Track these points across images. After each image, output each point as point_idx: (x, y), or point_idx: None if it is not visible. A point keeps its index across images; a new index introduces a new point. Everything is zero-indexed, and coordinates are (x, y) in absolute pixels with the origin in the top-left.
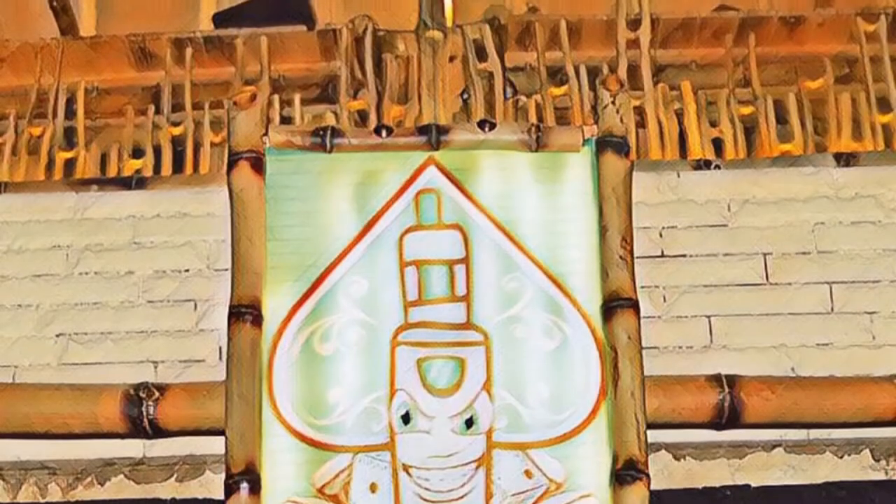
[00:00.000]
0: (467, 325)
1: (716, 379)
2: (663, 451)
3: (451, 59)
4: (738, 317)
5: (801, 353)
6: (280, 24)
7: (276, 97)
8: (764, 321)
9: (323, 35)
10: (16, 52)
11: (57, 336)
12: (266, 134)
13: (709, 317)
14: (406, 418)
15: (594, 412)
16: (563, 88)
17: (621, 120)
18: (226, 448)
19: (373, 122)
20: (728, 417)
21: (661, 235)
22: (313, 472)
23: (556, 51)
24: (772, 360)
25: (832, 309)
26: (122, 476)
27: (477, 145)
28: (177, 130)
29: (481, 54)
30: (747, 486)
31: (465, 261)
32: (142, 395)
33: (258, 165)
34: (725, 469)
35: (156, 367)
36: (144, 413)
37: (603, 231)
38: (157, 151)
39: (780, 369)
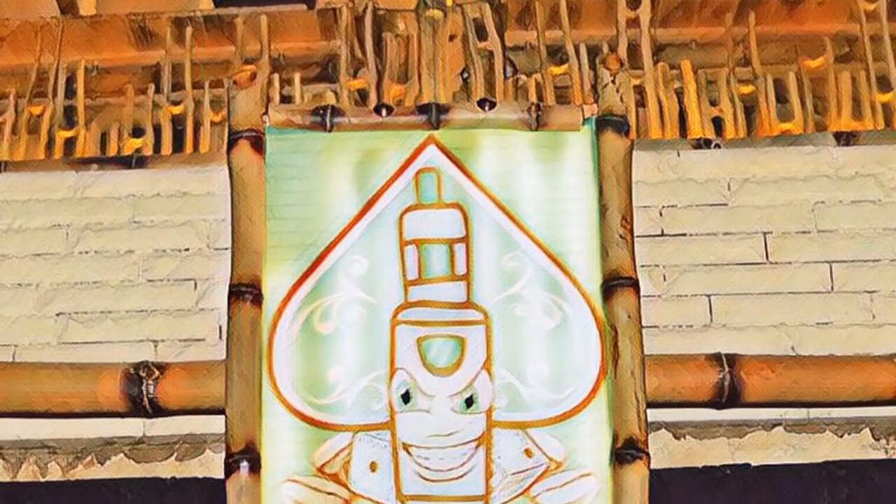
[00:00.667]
0: (467, 303)
1: (716, 358)
2: (663, 430)
3: (452, 38)
4: (738, 296)
5: (801, 332)
6: (280, 3)
7: (276, 76)
8: (764, 300)
9: (323, 14)
10: (16, 31)
11: (57, 315)
12: (266, 113)
13: (709, 296)
14: (406, 397)
15: (594, 391)
16: (563, 67)
17: (621, 99)
18: (226, 427)
19: (373, 101)
20: (728, 396)
21: (661, 214)
22: (313, 451)
23: (556, 30)
24: (772, 339)
25: (832, 288)
26: (122, 455)
27: (477, 124)
28: (177, 109)
29: (481, 33)
30: (747, 465)
31: (465, 240)
32: (142, 374)
33: (258, 144)
34: (725, 448)
35: (156, 346)
36: (144, 392)
37: (603, 210)
38: (157, 130)
39: (780, 348)
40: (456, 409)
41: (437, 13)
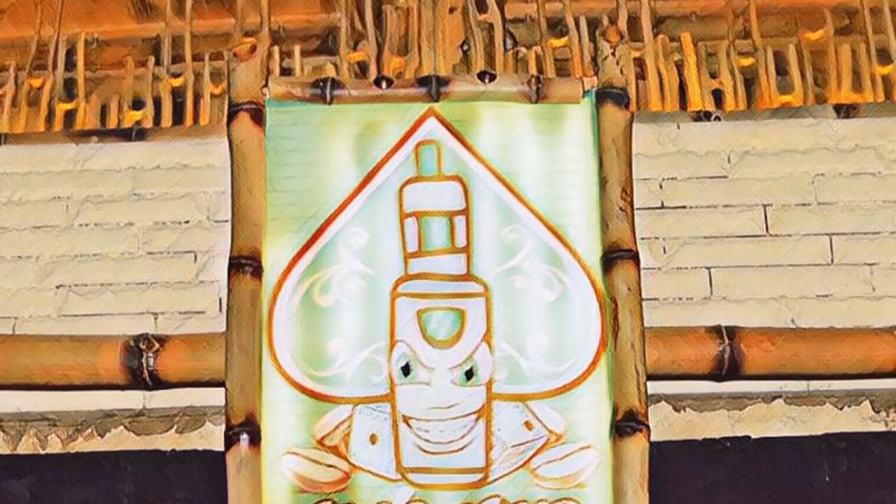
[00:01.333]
0: (467, 276)
1: (716, 330)
2: (663, 403)
3: (451, 10)
4: (738, 268)
5: (801, 304)
6: None
7: (276, 49)
8: (764, 272)
9: None
10: (16, 4)
11: (57, 287)
12: (266, 85)
13: (709, 268)
14: (406, 370)
15: (594, 364)
16: (563, 40)
17: (621, 71)
18: (226, 399)
19: (373, 73)
20: (728, 369)
21: (661, 187)
22: (313, 424)
23: (555, 2)
24: (772, 311)
25: (832, 260)
26: (122, 427)
27: (477, 97)
28: (177, 82)
29: (481, 5)
30: (747, 437)
31: (465, 212)
32: (142, 346)
33: (258, 117)
34: (725, 420)
35: (156, 319)
36: (144, 364)
37: (603, 182)
38: (157, 103)
39: (780, 321)
40: (456, 382)
41: None
